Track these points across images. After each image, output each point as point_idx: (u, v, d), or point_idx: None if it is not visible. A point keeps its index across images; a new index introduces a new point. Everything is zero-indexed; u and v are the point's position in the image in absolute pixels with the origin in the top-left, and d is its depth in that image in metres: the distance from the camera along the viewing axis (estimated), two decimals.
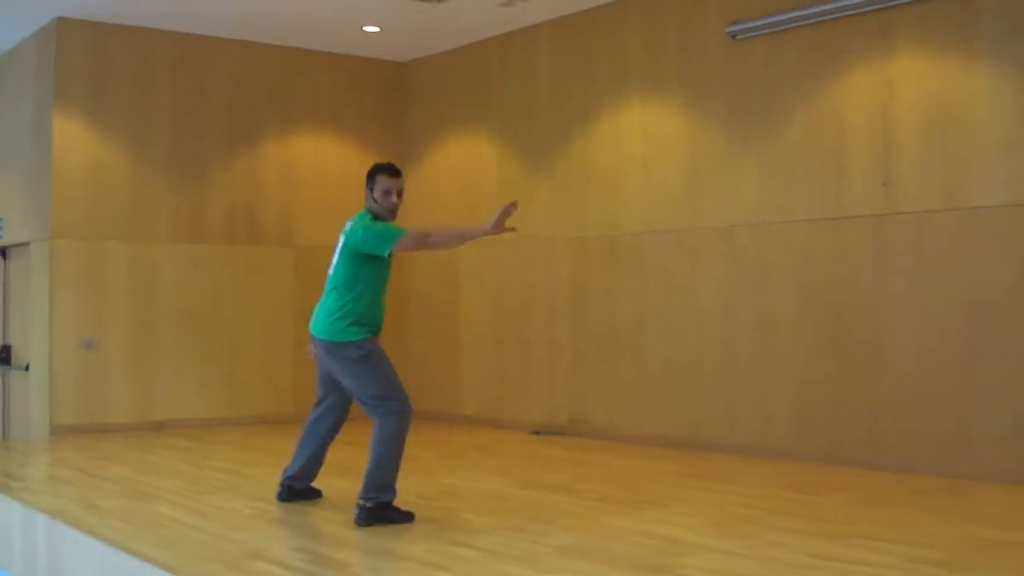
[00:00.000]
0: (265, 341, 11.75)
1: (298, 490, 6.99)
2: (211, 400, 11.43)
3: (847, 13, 8.47)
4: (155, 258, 11.19)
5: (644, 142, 10.07)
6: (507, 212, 6.17)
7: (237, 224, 11.69)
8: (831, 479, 7.91)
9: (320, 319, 6.51)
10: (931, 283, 8.00)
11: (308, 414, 7.00)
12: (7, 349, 12.07)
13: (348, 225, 6.52)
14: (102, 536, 5.87)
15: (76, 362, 10.71)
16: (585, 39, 10.60)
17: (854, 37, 8.50)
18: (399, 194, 6.55)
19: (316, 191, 12.11)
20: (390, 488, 6.30)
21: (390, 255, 6.39)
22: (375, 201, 6.52)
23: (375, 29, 11.41)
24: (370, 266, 6.41)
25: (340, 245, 6.52)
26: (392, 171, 6.57)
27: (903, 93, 8.22)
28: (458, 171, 12.00)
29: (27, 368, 11.27)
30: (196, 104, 11.48)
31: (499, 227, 6.18)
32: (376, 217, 6.49)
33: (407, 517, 6.31)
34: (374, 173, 6.57)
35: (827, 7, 8.53)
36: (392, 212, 6.53)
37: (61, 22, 10.71)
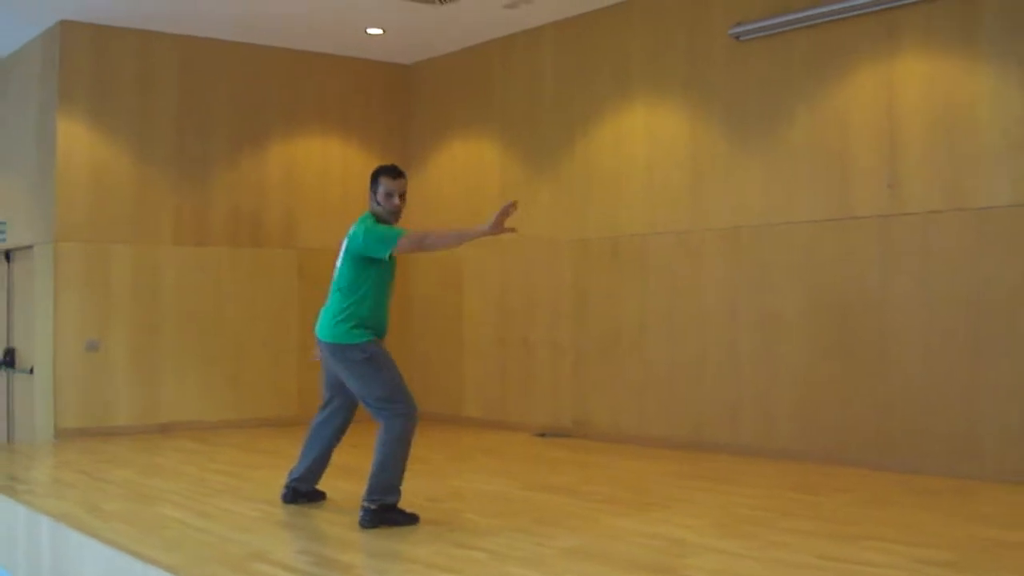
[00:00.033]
0: (269, 343, 11.75)
1: (302, 492, 6.99)
2: (215, 402, 11.43)
3: (851, 14, 8.46)
4: (159, 260, 11.19)
5: (647, 143, 10.06)
6: (506, 212, 6.14)
7: (241, 226, 11.69)
8: (836, 480, 7.90)
9: (324, 322, 6.52)
10: (937, 283, 7.99)
11: (314, 416, 6.99)
12: (11, 352, 12.08)
13: (352, 228, 6.52)
14: (106, 539, 5.86)
15: (80, 365, 10.71)
16: (588, 41, 10.60)
17: (858, 38, 8.49)
18: (401, 196, 6.54)
19: (320, 193, 12.12)
20: (395, 490, 6.29)
21: (391, 258, 6.38)
22: (378, 203, 6.52)
23: (379, 31, 11.41)
24: (373, 269, 6.40)
25: (343, 248, 6.52)
26: (394, 173, 6.56)
27: (908, 94, 8.21)
28: (462, 173, 12.00)
29: (31, 371, 11.28)
30: (200, 106, 11.49)
31: (498, 227, 6.15)
32: (379, 219, 6.49)
33: (412, 519, 6.30)
34: (377, 175, 6.57)
35: (831, 8, 8.52)
36: (394, 214, 6.53)
37: (65, 25, 10.72)
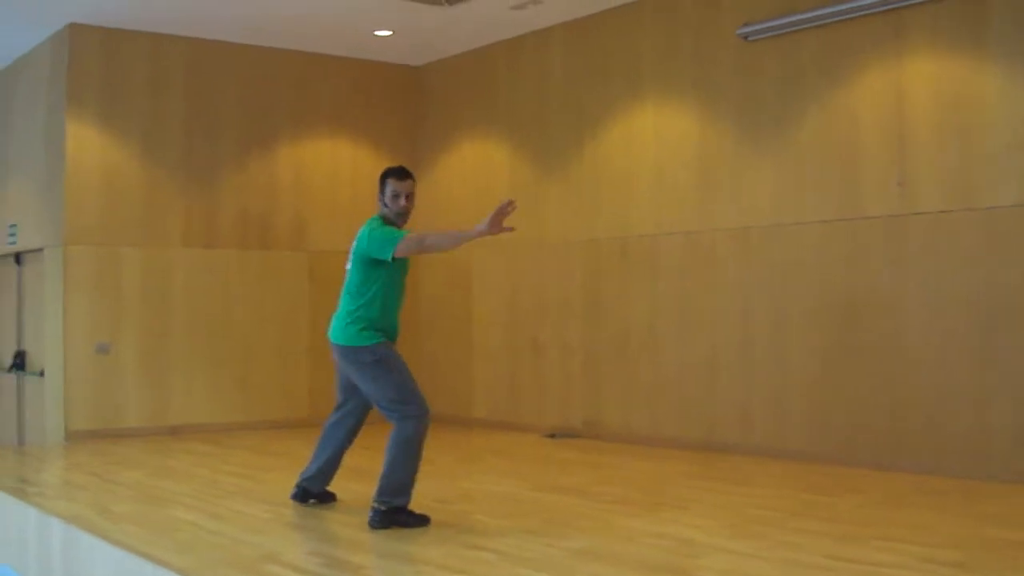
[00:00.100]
0: (279, 346, 11.76)
1: (313, 492, 7.00)
2: (225, 405, 11.44)
3: (859, 14, 8.45)
4: (168, 263, 11.21)
5: (657, 144, 10.06)
6: (503, 211, 6.04)
7: (250, 229, 11.71)
8: (846, 480, 7.89)
9: (335, 325, 6.53)
10: (947, 284, 7.98)
11: (327, 418, 7.00)
12: (22, 355, 12.11)
13: (360, 230, 6.52)
14: (117, 541, 5.87)
15: (90, 367, 10.73)
16: (597, 42, 10.60)
17: (867, 38, 8.48)
18: (408, 197, 6.53)
19: (329, 195, 12.13)
20: (405, 492, 6.28)
21: (400, 260, 6.36)
22: (385, 205, 6.53)
23: (387, 33, 11.42)
24: (380, 271, 6.39)
25: (352, 250, 6.53)
26: (401, 175, 6.56)
27: (916, 94, 8.20)
28: (471, 174, 12.00)
29: (42, 374, 11.30)
30: (209, 109, 11.51)
31: (496, 227, 6.06)
32: (387, 221, 6.49)
33: (422, 521, 6.30)
34: (384, 177, 6.57)
35: (839, 8, 8.52)
36: (402, 216, 6.52)
37: (74, 28, 10.74)
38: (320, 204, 12.09)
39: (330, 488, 7.06)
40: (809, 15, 8.72)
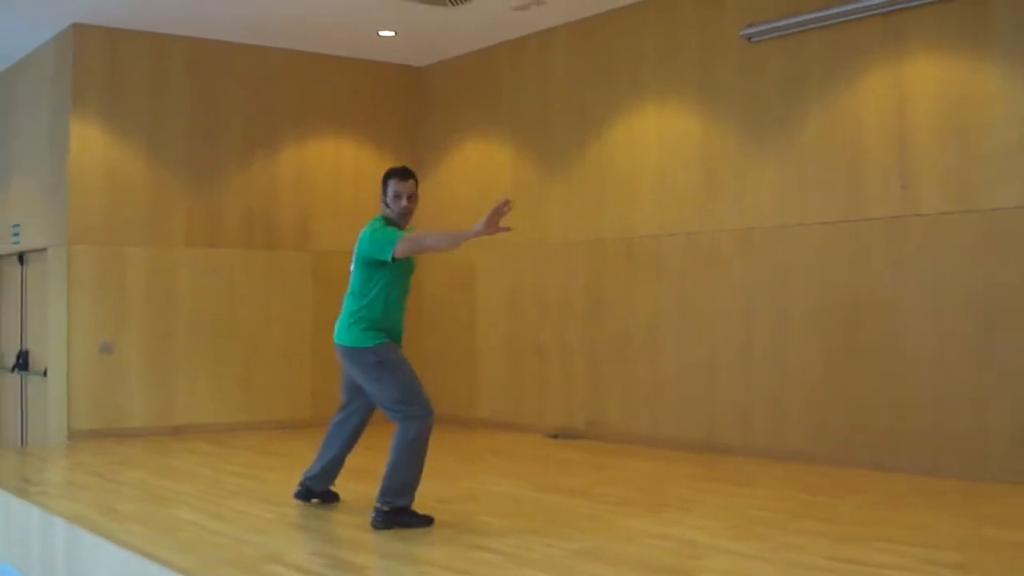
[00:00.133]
0: (283, 346, 11.78)
1: (316, 492, 7.01)
2: (228, 405, 11.45)
3: (862, 15, 8.46)
4: (172, 263, 11.23)
5: (659, 145, 10.07)
6: (499, 211, 6.01)
7: (254, 229, 11.72)
8: (847, 481, 7.90)
9: (339, 325, 6.54)
10: (948, 285, 7.99)
11: (331, 417, 7.01)
12: (25, 354, 12.13)
13: (362, 231, 6.53)
14: (120, 540, 5.88)
15: (94, 367, 10.75)
16: (600, 43, 10.61)
17: (869, 39, 8.49)
18: (409, 197, 6.53)
19: (332, 196, 12.14)
20: (408, 493, 6.28)
21: (404, 261, 6.36)
22: (387, 206, 6.54)
23: (391, 33, 11.43)
24: (381, 272, 6.39)
25: (354, 251, 6.53)
26: (402, 175, 6.56)
27: (918, 95, 8.21)
28: (474, 175, 12.01)
29: (45, 373, 11.32)
30: (212, 109, 11.52)
31: (492, 226, 6.03)
32: (388, 221, 6.49)
33: (425, 521, 6.30)
34: (386, 178, 6.57)
35: (842, 9, 8.53)
36: (403, 216, 6.52)
37: (77, 28, 10.76)
38: (323, 204, 12.10)
39: (333, 488, 7.08)
40: (812, 16, 8.73)
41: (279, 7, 10.50)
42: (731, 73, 9.47)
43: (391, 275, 6.42)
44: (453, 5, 10.24)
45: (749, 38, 9.24)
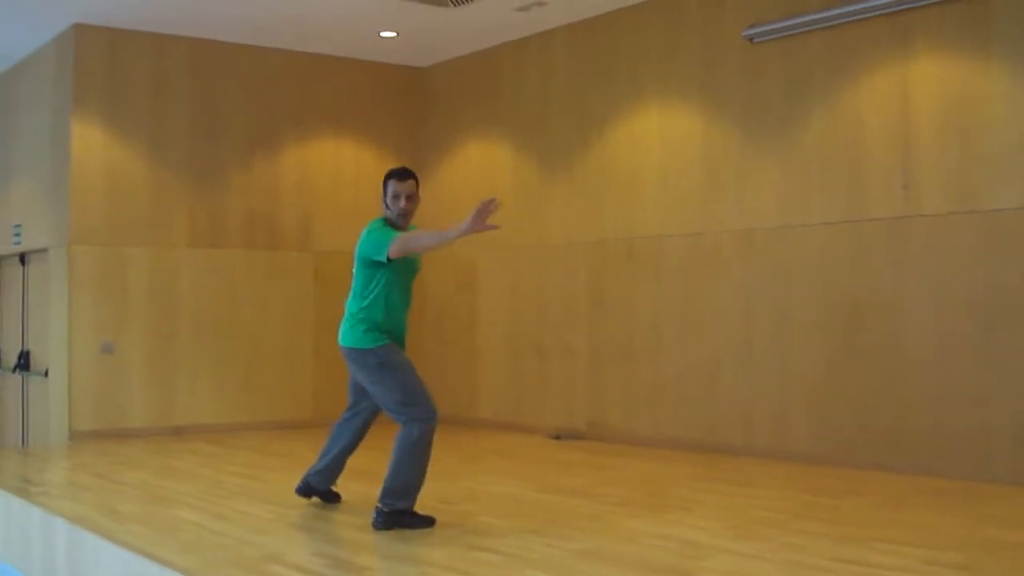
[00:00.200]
0: (284, 346, 11.78)
1: (317, 490, 7.00)
2: (230, 405, 11.45)
3: (864, 16, 8.46)
4: (174, 263, 11.23)
5: (661, 146, 10.07)
6: (485, 209, 5.97)
7: (256, 229, 11.72)
8: (849, 482, 7.89)
9: (342, 326, 6.53)
10: (950, 286, 7.98)
11: (338, 417, 7.01)
12: (26, 355, 12.13)
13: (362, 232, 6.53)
14: (122, 541, 5.88)
15: (95, 367, 10.75)
16: (601, 43, 10.61)
17: (872, 40, 8.49)
18: (408, 198, 6.50)
19: (333, 196, 12.14)
20: (409, 494, 6.27)
21: (393, 261, 6.32)
22: (387, 206, 6.53)
23: (392, 34, 11.43)
24: (382, 272, 6.37)
25: (356, 252, 6.53)
26: (401, 175, 6.54)
27: (921, 96, 8.21)
28: (475, 175, 12.01)
29: (46, 374, 11.33)
30: (214, 109, 11.52)
31: (479, 224, 5.98)
32: (389, 222, 6.49)
33: (427, 522, 6.29)
34: (386, 178, 6.56)
35: (843, 10, 8.52)
36: (402, 216, 6.51)
37: (79, 28, 10.77)
38: (324, 205, 12.10)
39: (335, 488, 7.07)
40: (813, 17, 8.73)
41: (280, 8, 10.50)
42: (733, 73, 9.47)
43: (391, 276, 6.40)
44: (454, 6, 10.24)
45: (751, 39, 9.23)
